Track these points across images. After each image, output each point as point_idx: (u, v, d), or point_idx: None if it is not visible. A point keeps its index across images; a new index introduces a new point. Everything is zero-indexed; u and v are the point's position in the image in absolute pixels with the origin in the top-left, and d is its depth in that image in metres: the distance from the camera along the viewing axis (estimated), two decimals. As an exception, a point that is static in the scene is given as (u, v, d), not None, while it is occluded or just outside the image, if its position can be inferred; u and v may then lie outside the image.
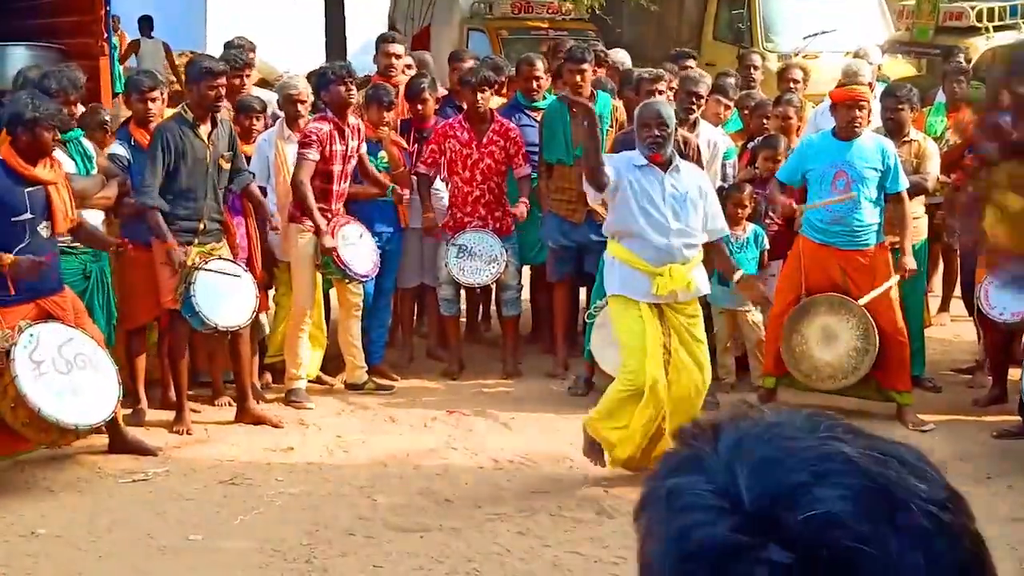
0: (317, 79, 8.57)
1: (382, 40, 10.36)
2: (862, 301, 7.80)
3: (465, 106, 9.08)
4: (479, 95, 8.74)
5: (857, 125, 7.82)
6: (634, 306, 6.72)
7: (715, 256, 7.12)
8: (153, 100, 7.98)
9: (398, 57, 10.10)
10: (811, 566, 0.92)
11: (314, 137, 8.03)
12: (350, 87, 8.24)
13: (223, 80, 7.74)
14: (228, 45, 9.82)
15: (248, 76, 9.24)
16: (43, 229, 6.70)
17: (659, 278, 6.64)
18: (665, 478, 1.03)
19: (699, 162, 8.14)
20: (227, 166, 7.76)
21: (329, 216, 8.17)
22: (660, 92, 8.35)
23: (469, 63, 9.85)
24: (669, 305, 6.75)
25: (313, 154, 8.01)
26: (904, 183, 7.94)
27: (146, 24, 17.62)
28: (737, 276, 7.17)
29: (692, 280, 6.75)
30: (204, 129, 7.64)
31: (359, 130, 8.34)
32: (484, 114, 8.78)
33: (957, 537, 0.97)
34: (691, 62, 10.68)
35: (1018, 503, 6.65)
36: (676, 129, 7.00)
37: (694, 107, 8.86)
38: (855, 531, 0.94)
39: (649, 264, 6.68)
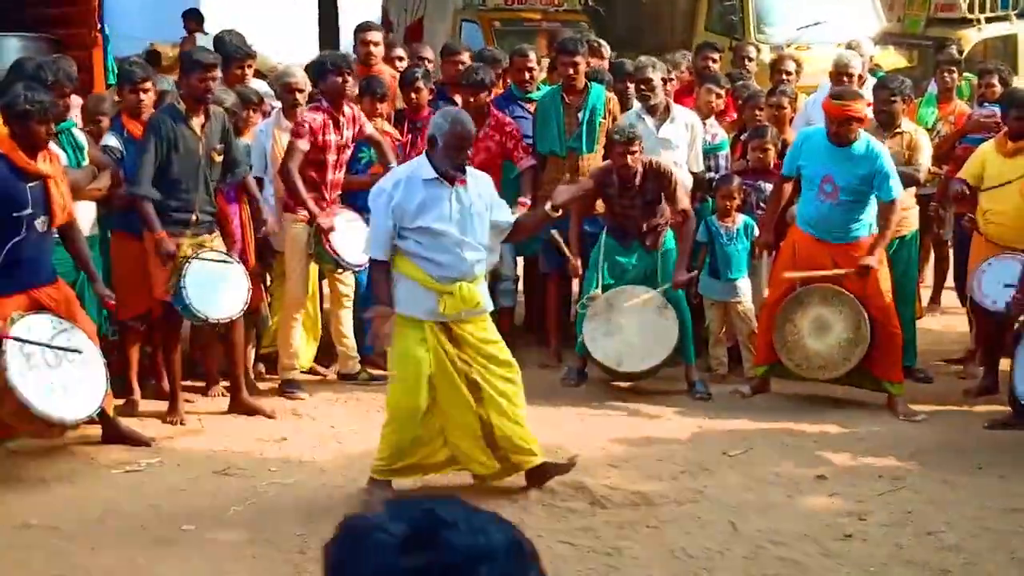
0: (315, 69, 8.53)
1: (360, 29, 10.36)
2: (794, 275, 7.84)
3: (459, 100, 9.09)
4: (472, 96, 8.76)
5: (845, 139, 7.79)
6: (418, 329, 6.25)
7: (526, 226, 6.76)
8: (145, 91, 7.98)
9: (376, 45, 10.09)
10: (414, 532, 1.49)
11: (306, 127, 8.03)
12: (346, 78, 8.25)
13: (214, 72, 7.73)
14: (218, 39, 9.80)
15: (249, 67, 9.23)
16: (40, 223, 6.69)
17: (447, 297, 6.17)
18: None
19: (671, 193, 8.20)
20: (219, 159, 7.76)
21: (324, 206, 8.18)
22: (632, 153, 8.06)
23: (463, 56, 9.84)
24: (458, 325, 6.30)
25: (303, 144, 8.01)
26: (897, 192, 7.85)
27: (193, 19, 16.24)
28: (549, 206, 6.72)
29: (481, 298, 6.35)
30: (196, 121, 7.63)
31: (355, 119, 8.33)
32: (480, 109, 8.77)
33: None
34: (715, 54, 10.62)
35: (1009, 494, 6.67)
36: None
37: (648, 95, 8.84)
38: (444, 516, 1.51)
39: (439, 282, 6.19)
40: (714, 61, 10.32)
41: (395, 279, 6.32)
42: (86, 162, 7.59)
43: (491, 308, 6.53)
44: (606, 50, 10.95)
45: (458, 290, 6.18)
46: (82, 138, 7.67)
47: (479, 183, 6.40)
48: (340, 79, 8.17)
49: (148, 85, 8.01)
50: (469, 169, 6.40)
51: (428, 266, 6.20)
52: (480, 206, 6.30)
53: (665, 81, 9.10)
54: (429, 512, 1.49)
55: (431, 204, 6.17)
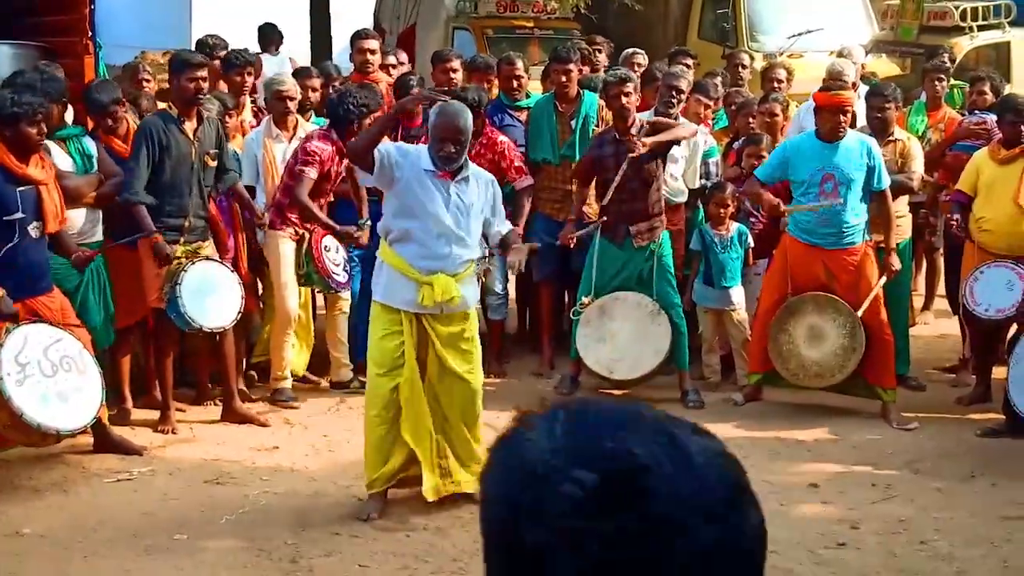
0: (345, 103, 8.14)
1: (357, 37, 10.34)
2: (860, 311, 7.84)
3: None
4: None
5: (841, 130, 7.86)
6: (395, 317, 6.27)
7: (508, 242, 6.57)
8: (113, 115, 7.86)
9: (373, 53, 10.08)
10: (609, 484, 1.14)
11: (317, 157, 8.00)
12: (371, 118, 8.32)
13: (203, 73, 7.68)
14: (200, 44, 9.75)
15: (250, 74, 9.18)
16: (33, 229, 6.69)
17: (425, 288, 6.16)
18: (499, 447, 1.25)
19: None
20: (213, 164, 7.75)
21: (310, 228, 8.16)
22: (627, 95, 8.19)
23: (453, 63, 9.82)
24: (435, 317, 6.30)
25: (312, 172, 7.99)
26: (887, 181, 7.98)
27: (270, 36, 14.67)
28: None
29: (458, 294, 6.25)
30: (189, 126, 7.62)
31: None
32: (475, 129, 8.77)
33: (726, 466, 1.23)
34: (688, 60, 10.67)
35: (1002, 501, 6.68)
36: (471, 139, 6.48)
37: (674, 101, 8.88)
38: (644, 453, 1.16)
39: (419, 272, 6.19)
40: (687, 67, 10.31)
41: (379, 266, 6.42)
42: (95, 169, 7.56)
43: (472, 306, 6.50)
44: (642, 58, 10.91)
45: (436, 281, 6.19)
46: (91, 146, 7.63)
47: (482, 183, 6.42)
48: (368, 123, 8.19)
49: (114, 108, 7.86)
50: (474, 169, 6.45)
51: (412, 253, 6.21)
52: (478, 207, 6.33)
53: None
54: (623, 452, 1.16)
55: (429, 190, 6.19)
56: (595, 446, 1.16)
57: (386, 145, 6.22)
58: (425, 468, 6.37)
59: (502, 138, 8.86)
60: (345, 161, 8.22)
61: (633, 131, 8.18)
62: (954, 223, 8.32)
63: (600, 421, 1.20)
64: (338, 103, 8.18)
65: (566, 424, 1.20)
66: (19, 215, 6.62)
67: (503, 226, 6.58)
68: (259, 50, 14.53)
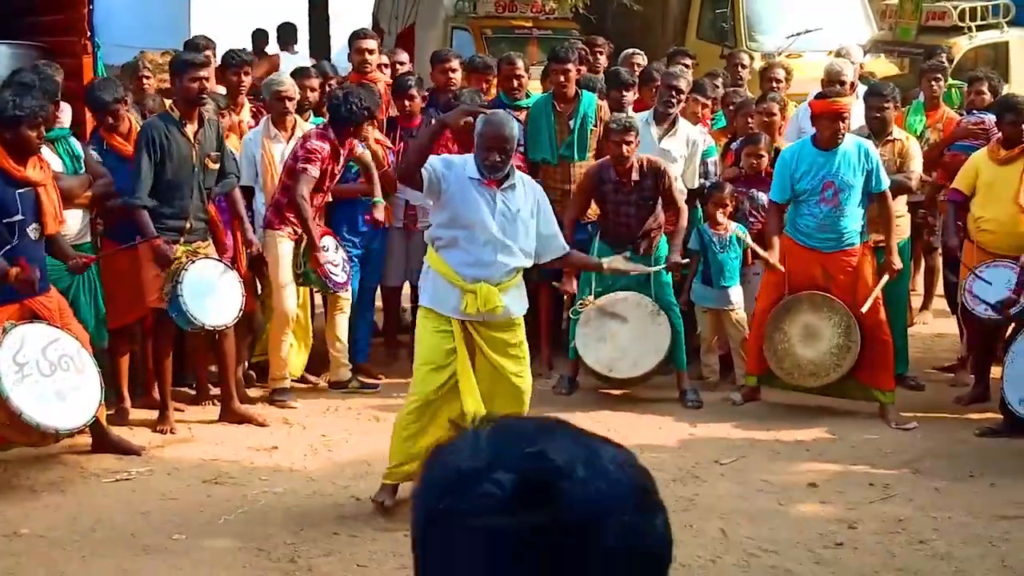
0: (349, 103, 8.12)
1: (355, 36, 10.33)
2: (864, 309, 7.84)
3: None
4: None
5: (840, 137, 7.84)
6: (443, 321, 6.27)
7: (573, 263, 6.86)
8: (115, 113, 7.87)
9: (371, 52, 10.07)
10: (526, 484, 1.24)
11: (319, 155, 8.01)
12: (371, 125, 8.30)
13: (206, 73, 7.67)
14: (188, 44, 9.73)
15: (247, 74, 9.17)
16: (32, 231, 6.68)
17: (469, 295, 6.16)
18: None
19: (667, 190, 8.26)
20: (214, 166, 7.74)
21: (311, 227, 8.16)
22: (628, 143, 8.10)
23: (452, 63, 9.80)
24: (481, 323, 6.29)
25: (314, 170, 7.99)
26: (886, 182, 7.97)
27: (287, 34, 14.57)
28: (606, 263, 6.98)
29: (501, 304, 6.22)
30: (190, 128, 7.61)
31: (352, 148, 8.35)
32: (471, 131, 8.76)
33: (632, 477, 1.31)
34: (687, 60, 10.68)
35: (1000, 501, 6.68)
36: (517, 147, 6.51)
37: (673, 101, 8.88)
38: (559, 459, 1.26)
39: (463, 280, 6.18)
40: (686, 67, 10.31)
41: (426, 272, 6.41)
42: (83, 170, 7.56)
43: (518, 314, 6.48)
44: (641, 58, 10.92)
45: (479, 290, 6.17)
46: (79, 146, 7.64)
47: (528, 190, 6.41)
48: (366, 128, 8.18)
49: (117, 107, 7.89)
50: (520, 176, 6.43)
51: (458, 260, 6.20)
52: (526, 213, 6.31)
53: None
54: (540, 456, 1.27)
55: (474, 199, 6.18)
56: (515, 452, 1.27)
57: (431, 160, 6.19)
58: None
59: None
60: (343, 159, 8.23)
61: (634, 175, 8.18)
62: (957, 258, 8.39)
63: (520, 431, 1.32)
64: (342, 103, 8.14)
65: (489, 434, 1.31)
66: (19, 217, 6.61)
67: (557, 236, 6.57)
68: (279, 49, 14.55)
